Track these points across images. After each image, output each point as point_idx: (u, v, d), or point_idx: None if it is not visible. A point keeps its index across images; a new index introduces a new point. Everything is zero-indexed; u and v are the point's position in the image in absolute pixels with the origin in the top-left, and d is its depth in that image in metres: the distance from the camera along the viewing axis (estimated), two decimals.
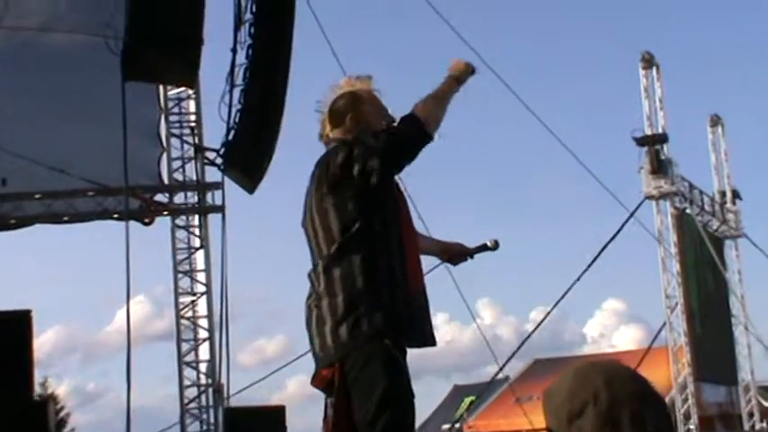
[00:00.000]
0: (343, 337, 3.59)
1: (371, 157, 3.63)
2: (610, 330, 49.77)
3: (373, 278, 3.63)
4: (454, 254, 4.31)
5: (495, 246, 4.27)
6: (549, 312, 21.39)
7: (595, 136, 43.74)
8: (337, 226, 3.69)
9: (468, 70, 3.92)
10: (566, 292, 18.81)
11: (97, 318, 64.80)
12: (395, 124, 3.81)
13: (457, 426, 27.73)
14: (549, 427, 1.66)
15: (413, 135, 3.70)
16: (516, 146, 46.67)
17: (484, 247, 4.29)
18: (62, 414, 28.04)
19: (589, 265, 18.38)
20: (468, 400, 30.37)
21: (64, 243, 46.94)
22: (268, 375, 14.50)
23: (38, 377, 18.46)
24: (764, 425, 22.28)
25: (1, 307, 10.55)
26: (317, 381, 3.74)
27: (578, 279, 18.38)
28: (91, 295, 46.28)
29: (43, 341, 38.53)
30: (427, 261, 4.07)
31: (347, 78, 4.08)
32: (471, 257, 4.32)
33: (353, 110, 3.92)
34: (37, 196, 13.90)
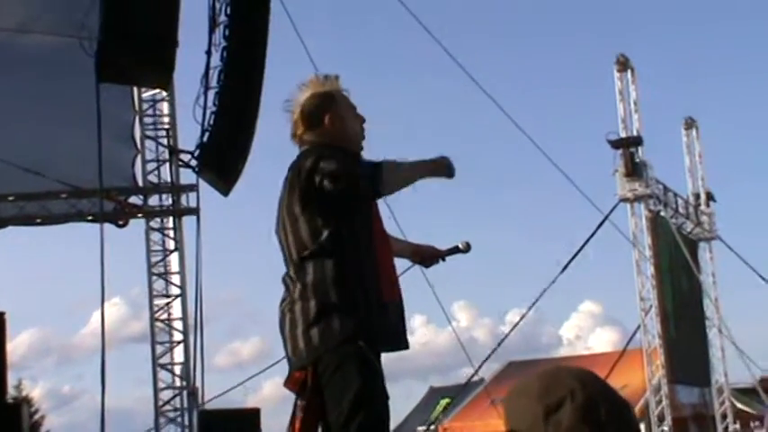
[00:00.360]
0: (315, 340, 3.60)
1: (327, 179, 3.66)
2: (586, 332, 49.93)
3: (344, 284, 3.64)
4: (426, 256, 4.31)
5: (467, 248, 4.29)
6: (524, 314, 21.45)
7: (570, 139, 43.90)
8: (307, 232, 3.70)
9: (447, 173, 3.95)
10: (540, 294, 18.87)
11: (72, 320, 64.54)
12: (363, 161, 3.83)
13: (432, 427, 27.79)
14: (512, 428, 1.66)
15: (366, 184, 3.73)
16: (491, 149, 46.80)
17: (456, 249, 4.31)
18: (36, 416, 27.91)
19: (564, 268, 18.44)
20: (443, 402, 30.40)
21: (38, 245, 46.63)
22: (245, 381, 14.47)
23: (12, 379, 18.36)
24: (738, 427, 22.43)
25: None
26: (290, 383, 3.75)
27: (554, 281, 18.44)
28: (66, 297, 46.12)
29: (18, 343, 38.31)
30: (399, 263, 4.08)
31: (314, 78, 4.07)
32: (443, 259, 4.33)
33: (330, 111, 3.91)
34: (10, 198, 13.83)
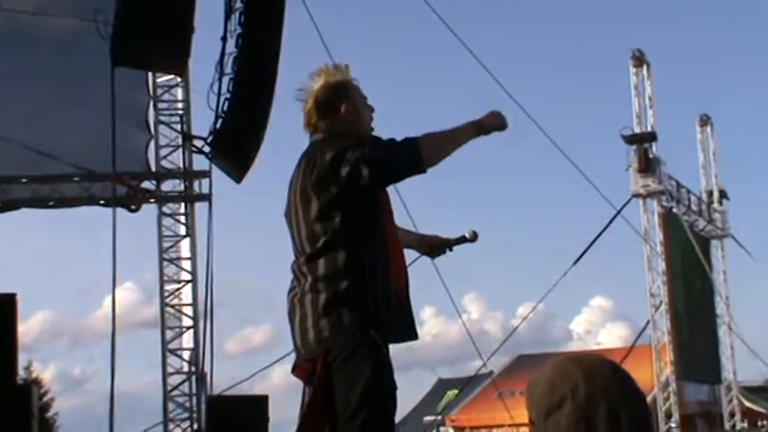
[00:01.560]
0: (326, 332, 3.59)
1: (363, 166, 3.61)
2: (596, 327, 49.96)
3: (356, 275, 3.62)
4: (434, 246, 4.29)
5: (474, 237, 4.25)
6: (534, 307, 21.45)
7: (584, 133, 43.82)
8: (321, 222, 3.67)
9: (501, 126, 3.90)
10: (551, 288, 18.86)
11: (85, 303, 64.84)
12: (398, 140, 3.73)
13: (439, 419, 27.80)
14: (530, 418, 1.66)
15: (408, 164, 3.68)
16: (504, 143, 46.65)
17: (463, 239, 4.27)
18: (46, 398, 27.99)
19: (575, 262, 18.42)
20: (451, 394, 30.42)
21: (52, 228, 46.86)
22: (257, 372, 14.47)
23: (22, 361, 18.43)
24: (745, 425, 22.39)
25: None
26: (298, 371, 3.75)
27: (564, 275, 18.42)
28: (79, 280, 46.35)
29: (31, 325, 38.48)
30: (407, 254, 4.06)
31: (325, 67, 4.02)
32: (450, 249, 4.30)
33: (345, 100, 3.88)
34: (23, 180, 13.85)
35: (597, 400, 1.59)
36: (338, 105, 3.87)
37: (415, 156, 3.64)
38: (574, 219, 42.00)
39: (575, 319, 56.25)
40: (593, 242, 18.60)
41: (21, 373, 12.91)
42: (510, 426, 20.74)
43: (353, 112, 3.88)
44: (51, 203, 14.19)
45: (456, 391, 31.01)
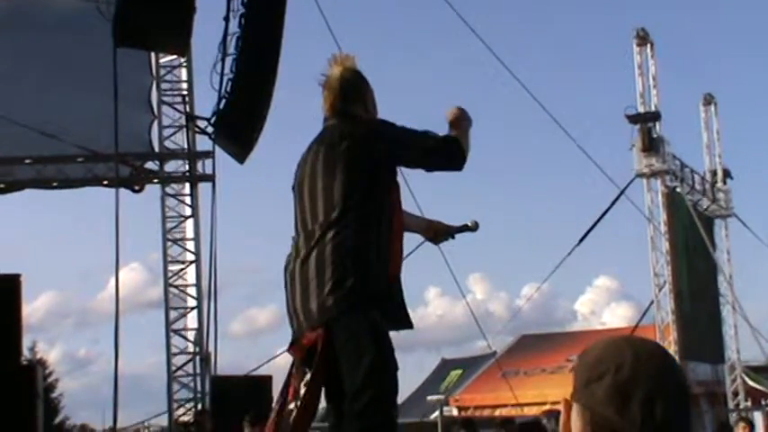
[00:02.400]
0: (329, 302, 3.60)
1: (409, 150, 3.84)
2: (600, 307, 50.04)
3: (365, 254, 3.65)
4: (438, 232, 4.33)
5: (476, 227, 4.34)
6: (538, 288, 21.48)
7: (588, 113, 43.75)
8: (341, 196, 3.68)
9: (471, 121, 4.07)
10: (555, 268, 18.91)
11: (91, 284, 64.88)
12: (442, 135, 3.93)
13: (443, 398, 27.84)
14: (574, 384, 1.68)
15: (459, 159, 3.97)
16: (509, 122, 46.60)
17: (465, 228, 4.36)
18: (51, 379, 28.03)
19: (579, 241, 18.43)
20: (454, 374, 30.49)
21: (57, 209, 46.96)
22: (269, 360, 14.52)
23: (27, 342, 18.50)
24: (749, 404, 22.43)
25: None
26: (295, 348, 3.75)
27: (569, 254, 18.45)
28: (85, 261, 46.40)
29: (37, 306, 38.57)
30: (411, 238, 4.10)
31: (339, 56, 4.06)
32: (453, 237, 4.37)
33: (369, 90, 3.99)
34: (27, 161, 13.86)
35: (638, 382, 1.59)
36: (365, 92, 3.97)
37: (463, 154, 3.95)
38: (578, 198, 42.08)
39: (579, 299, 56.34)
40: (597, 222, 18.61)
41: (25, 353, 12.95)
42: (514, 405, 20.77)
43: (373, 102, 3.99)
44: (55, 184, 14.22)
45: (460, 372, 31.14)
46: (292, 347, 3.76)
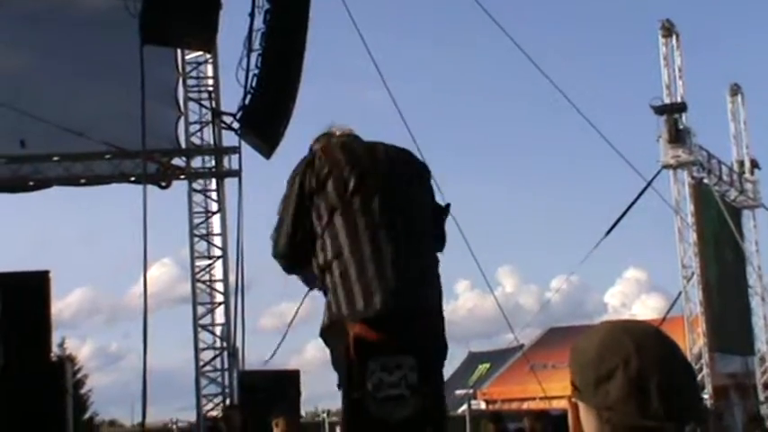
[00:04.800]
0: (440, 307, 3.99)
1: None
2: (630, 299, 49.67)
3: None
4: None
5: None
6: (566, 279, 21.42)
7: (614, 105, 43.52)
8: (429, 222, 3.99)
9: None
10: (583, 260, 18.90)
11: (122, 279, 65.30)
12: None
13: (471, 392, 27.86)
14: (574, 383, 1.66)
15: None
16: (536, 115, 46.50)
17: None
18: (80, 375, 28.20)
19: (607, 233, 18.38)
20: (482, 368, 30.48)
21: (86, 206, 47.30)
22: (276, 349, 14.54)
23: (56, 338, 18.61)
24: None
25: (24, 268, 10.69)
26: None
27: (596, 246, 18.40)
28: (116, 257, 46.67)
29: (69, 302, 38.83)
30: None
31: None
32: None
33: None
34: (55, 159, 13.96)
35: (650, 372, 1.58)
36: None
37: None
38: (606, 191, 41.81)
39: (608, 291, 56.06)
40: (624, 214, 18.54)
41: (55, 349, 13.04)
42: (542, 398, 20.72)
43: None
44: (83, 181, 14.31)
45: (488, 365, 31.11)
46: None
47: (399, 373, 3.59)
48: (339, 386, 3.71)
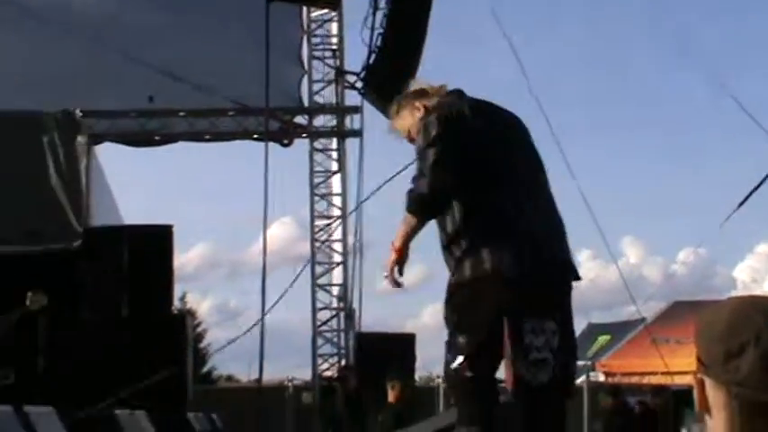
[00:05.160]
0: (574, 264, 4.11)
1: None
2: (762, 275, 48.31)
3: None
4: None
5: None
6: (693, 251, 20.96)
7: (751, 68, 42.11)
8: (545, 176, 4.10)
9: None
10: (713, 233, 18.43)
11: (243, 235, 66.47)
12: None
13: (589, 364, 27.57)
14: (699, 358, 1.63)
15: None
16: (665, 83, 45.39)
17: None
18: (199, 329, 28.83)
19: (739, 205, 17.81)
20: (602, 339, 30.13)
21: (209, 161, 48.28)
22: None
23: (177, 292, 19.09)
24: None
25: (148, 221, 11.03)
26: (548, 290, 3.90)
27: (727, 219, 17.88)
28: (237, 213, 47.57)
29: (191, 257, 39.76)
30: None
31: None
32: None
33: None
34: (181, 114, 14.22)
35: None
36: None
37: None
38: (740, 161, 40.62)
39: (738, 265, 54.61)
40: (757, 187, 17.97)
41: (176, 303, 13.41)
42: (663, 373, 20.39)
43: None
44: (207, 137, 14.57)
45: (608, 337, 30.71)
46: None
47: (544, 337, 3.64)
48: (455, 340, 3.73)
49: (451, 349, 3.72)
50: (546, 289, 3.74)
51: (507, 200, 3.81)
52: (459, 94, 4.08)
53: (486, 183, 3.82)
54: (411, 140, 4.10)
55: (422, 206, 3.81)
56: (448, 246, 3.81)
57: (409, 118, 4.15)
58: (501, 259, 3.67)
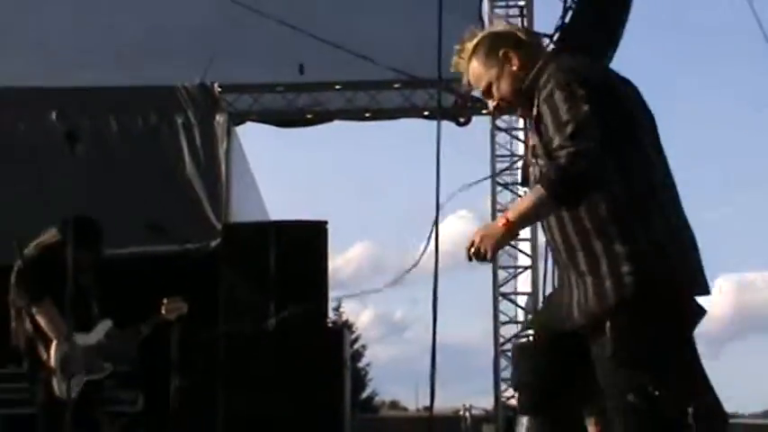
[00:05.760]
0: None
1: None
2: None
3: None
4: None
5: None
6: None
7: None
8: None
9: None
10: None
11: (410, 233, 66.91)
12: None
13: None
14: None
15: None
16: None
17: None
18: (357, 345, 28.91)
19: None
20: None
21: (371, 144, 48.85)
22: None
23: (333, 300, 19.21)
24: None
25: (297, 216, 11.13)
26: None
27: None
28: (404, 206, 48.02)
29: (348, 258, 40.31)
30: None
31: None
32: None
33: None
34: (337, 87, 14.28)
35: None
36: None
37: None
38: None
39: None
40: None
41: (330, 314, 13.59)
42: None
43: None
44: (368, 114, 14.57)
45: None
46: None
47: None
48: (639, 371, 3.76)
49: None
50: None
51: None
52: (572, 53, 4.19)
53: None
54: (487, 95, 4.09)
55: (573, 190, 3.77)
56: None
57: (496, 67, 4.26)
58: (685, 269, 3.80)
